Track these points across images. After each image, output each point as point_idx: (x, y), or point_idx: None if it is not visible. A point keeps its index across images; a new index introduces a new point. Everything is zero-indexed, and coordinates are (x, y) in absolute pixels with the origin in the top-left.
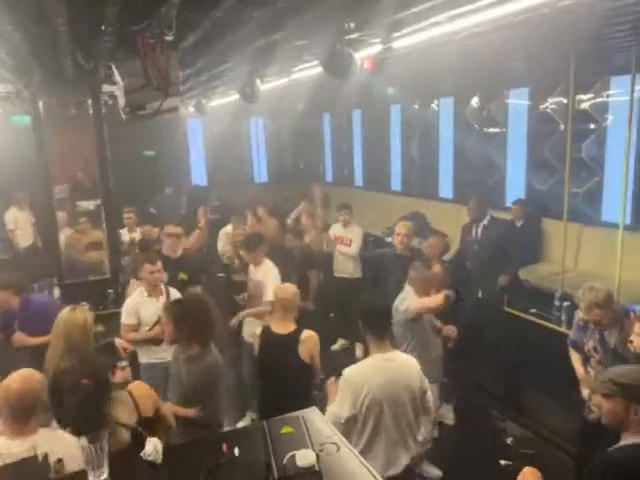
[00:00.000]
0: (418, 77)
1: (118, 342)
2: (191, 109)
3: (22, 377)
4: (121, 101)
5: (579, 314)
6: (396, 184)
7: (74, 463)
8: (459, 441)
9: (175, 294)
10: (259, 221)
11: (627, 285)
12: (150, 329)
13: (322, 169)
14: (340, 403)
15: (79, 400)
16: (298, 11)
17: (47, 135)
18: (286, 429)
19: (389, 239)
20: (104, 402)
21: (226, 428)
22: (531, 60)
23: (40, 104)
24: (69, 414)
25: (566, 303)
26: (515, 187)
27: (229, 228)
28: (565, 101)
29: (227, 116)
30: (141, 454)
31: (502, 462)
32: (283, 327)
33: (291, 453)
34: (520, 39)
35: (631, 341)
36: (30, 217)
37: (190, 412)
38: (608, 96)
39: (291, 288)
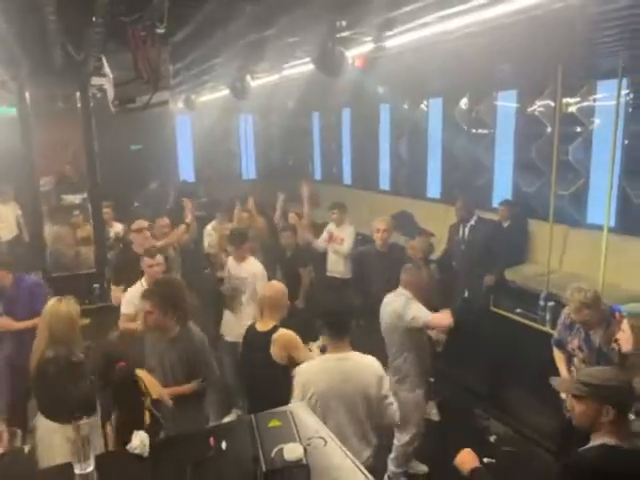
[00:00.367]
0: (408, 77)
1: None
2: (180, 104)
3: None
4: (110, 94)
5: (565, 313)
6: (384, 183)
7: None
8: (443, 439)
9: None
10: (250, 216)
11: (610, 287)
12: None
13: (311, 167)
14: (294, 399)
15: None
16: (290, 7)
17: (33, 127)
18: (274, 423)
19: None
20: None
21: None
22: (519, 63)
23: (27, 96)
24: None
25: (551, 303)
26: (502, 188)
27: (215, 224)
28: (552, 104)
29: (216, 112)
30: (127, 447)
31: (485, 460)
32: (265, 325)
33: (279, 447)
34: (509, 41)
35: (616, 340)
36: (16, 210)
37: (189, 386)
38: (595, 100)
39: (278, 286)
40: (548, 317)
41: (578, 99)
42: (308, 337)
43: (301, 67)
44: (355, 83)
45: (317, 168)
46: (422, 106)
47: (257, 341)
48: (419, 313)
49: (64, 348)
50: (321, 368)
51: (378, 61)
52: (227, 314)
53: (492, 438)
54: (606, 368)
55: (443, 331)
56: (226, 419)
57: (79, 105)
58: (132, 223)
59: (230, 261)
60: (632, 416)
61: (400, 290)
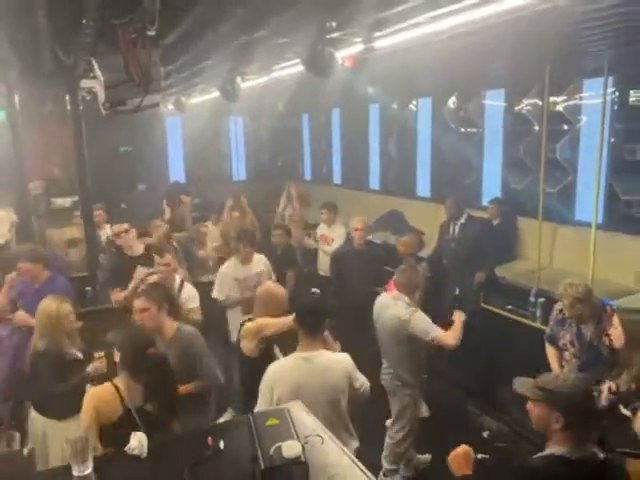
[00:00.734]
0: (397, 77)
1: None
2: (170, 106)
3: None
4: (101, 96)
5: (556, 309)
6: (374, 183)
7: None
8: (436, 435)
9: (190, 289)
10: (242, 215)
11: (600, 282)
12: None
13: (301, 167)
14: (260, 397)
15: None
16: (280, 9)
17: (22, 130)
18: (272, 421)
19: (369, 237)
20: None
21: None
22: (507, 62)
23: (16, 99)
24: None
25: (541, 299)
26: (491, 186)
27: (211, 225)
28: (540, 102)
29: (206, 114)
30: (126, 448)
31: (479, 456)
32: None
33: (277, 444)
34: (497, 41)
35: (607, 334)
36: (12, 216)
37: (184, 388)
38: (581, 98)
39: (274, 288)
40: (539, 313)
41: (565, 97)
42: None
43: (291, 68)
44: (345, 83)
45: (307, 168)
46: (411, 106)
47: None
48: (427, 326)
49: (54, 344)
50: (288, 367)
51: (368, 61)
52: (230, 314)
53: (485, 434)
54: (569, 375)
55: None
56: (221, 419)
57: (68, 108)
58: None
59: (233, 264)
60: (627, 412)
61: (396, 294)
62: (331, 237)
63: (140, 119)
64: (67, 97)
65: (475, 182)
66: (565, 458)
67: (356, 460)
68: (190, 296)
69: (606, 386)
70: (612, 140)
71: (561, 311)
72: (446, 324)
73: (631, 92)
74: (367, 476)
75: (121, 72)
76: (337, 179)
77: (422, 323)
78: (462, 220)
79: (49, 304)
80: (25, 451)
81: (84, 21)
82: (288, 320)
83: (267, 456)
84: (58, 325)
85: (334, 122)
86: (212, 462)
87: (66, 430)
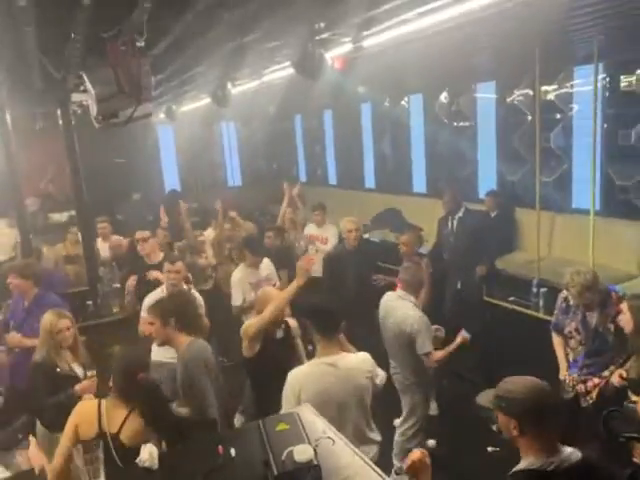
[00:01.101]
0: (387, 75)
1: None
2: (161, 115)
3: None
4: (93, 110)
5: (561, 297)
6: (370, 181)
7: None
8: (445, 430)
9: (197, 297)
10: (233, 227)
11: (600, 268)
12: None
13: (296, 170)
14: (284, 406)
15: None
16: (268, 13)
17: (15, 148)
18: (282, 426)
19: (366, 235)
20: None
21: None
22: (497, 53)
23: (7, 116)
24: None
25: (543, 289)
26: (487, 179)
27: (210, 232)
28: (531, 92)
29: (198, 121)
30: (137, 461)
31: (489, 449)
32: None
33: (289, 449)
34: (485, 33)
35: (614, 320)
36: (16, 235)
37: (183, 411)
38: (572, 86)
39: (273, 292)
40: (541, 303)
41: (556, 86)
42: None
43: (281, 72)
44: (335, 84)
45: (302, 170)
46: (403, 103)
47: None
48: (425, 340)
49: (48, 357)
50: (314, 374)
51: (357, 61)
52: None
53: (494, 427)
54: (525, 379)
55: (436, 328)
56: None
57: (60, 122)
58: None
59: (243, 269)
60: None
61: (401, 292)
62: (324, 237)
63: (132, 130)
64: (58, 112)
65: (470, 175)
66: (536, 471)
67: (368, 460)
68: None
69: (617, 373)
70: (605, 126)
71: (566, 299)
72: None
73: (622, 77)
74: (380, 476)
75: (112, 84)
76: (332, 180)
77: (425, 332)
78: (460, 214)
79: (48, 318)
80: (37, 470)
81: (73, 35)
82: (266, 315)
83: (279, 461)
84: (53, 339)
85: (327, 123)
86: (224, 470)
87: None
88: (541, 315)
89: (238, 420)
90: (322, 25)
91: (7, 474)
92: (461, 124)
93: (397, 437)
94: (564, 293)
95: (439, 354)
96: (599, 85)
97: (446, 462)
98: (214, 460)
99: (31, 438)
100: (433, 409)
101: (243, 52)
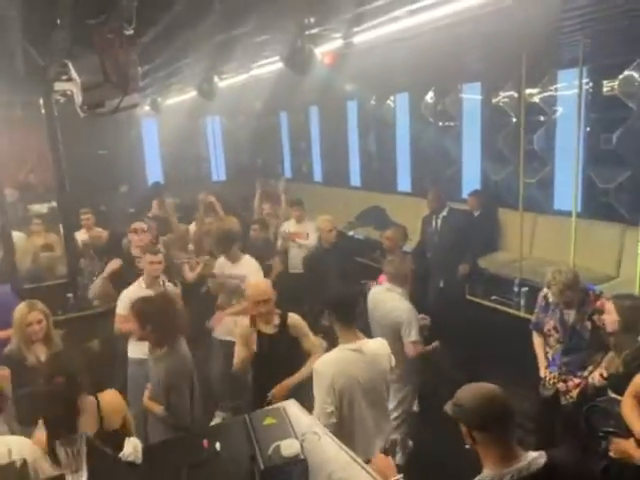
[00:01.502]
0: (374, 73)
1: None
2: (146, 108)
3: None
4: (78, 99)
5: (541, 296)
6: (355, 179)
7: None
8: (425, 427)
9: (172, 290)
10: (216, 220)
11: (581, 269)
12: None
13: (281, 166)
14: (318, 396)
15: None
16: (258, 6)
17: None
18: (269, 420)
19: (351, 232)
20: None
21: None
22: (483, 54)
23: None
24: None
25: (525, 289)
26: (471, 179)
27: (193, 226)
28: (516, 94)
29: (183, 114)
30: (120, 455)
31: (467, 445)
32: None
33: (276, 443)
34: (472, 34)
35: (590, 319)
36: None
37: (157, 409)
38: (556, 89)
39: (265, 286)
40: (522, 302)
41: (540, 89)
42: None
43: (268, 66)
44: (323, 80)
45: (287, 167)
46: (389, 101)
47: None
48: (413, 328)
49: (17, 349)
50: (343, 360)
51: (344, 58)
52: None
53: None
54: (479, 387)
55: (422, 317)
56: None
57: (42, 111)
58: (99, 227)
59: (221, 261)
60: (616, 396)
61: (388, 285)
62: (305, 232)
63: (115, 121)
64: (41, 101)
65: (455, 175)
66: None
67: (354, 455)
68: None
69: (597, 372)
70: (588, 130)
71: (545, 297)
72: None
73: (604, 82)
74: (365, 470)
75: (98, 73)
76: (318, 177)
77: (414, 322)
78: (444, 213)
79: (19, 310)
80: (18, 463)
81: (58, 21)
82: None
83: (266, 456)
84: (23, 331)
85: (313, 120)
86: (209, 464)
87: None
88: (522, 314)
89: (218, 417)
90: (312, 20)
91: None
92: (446, 124)
93: None
94: (544, 291)
95: (419, 348)
96: (582, 89)
97: (425, 459)
98: (199, 454)
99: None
100: (414, 406)
101: (231, 45)
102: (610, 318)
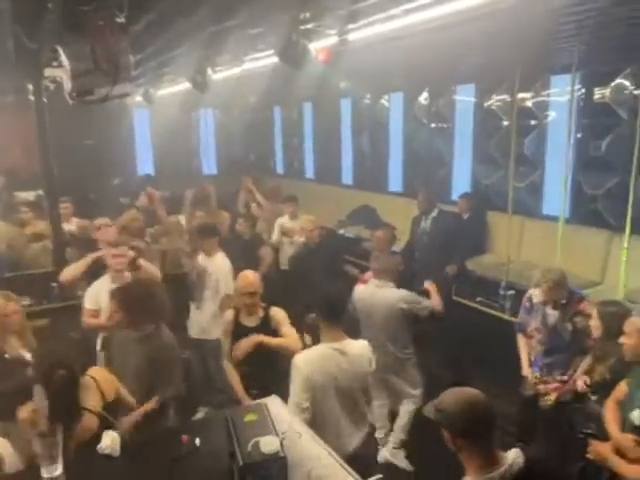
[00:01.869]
0: (369, 71)
1: None
2: (138, 98)
3: None
4: (67, 85)
5: (526, 297)
6: (347, 178)
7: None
8: (409, 427)
9: (150, 275)
10: (207, 214)
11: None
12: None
13: (273, 161)
14: (294, 390)
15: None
16: None
17: None
18: (250, 417)
19: (341, 231)
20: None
21: None
22: (478, 57)
23: None
24: None
25: (510, 292)
26: (461, 181)
27: (181, 218)
28: (509, 98)
29: (175, 106)
30: (97, 448)
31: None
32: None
33: (255, 440)
34: (468, 36)
35: (571, 320)
36: None
37: (151, 405)
38: (548, 95)
39: (252, 276)
40: (508, 305)
41: (533, 94)
42: None
43: (263, 60)
44: (316, 77)
45: (279, 163)
46: (383, 100)
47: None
48: (417, 297)
49: None
50: (322, 357)
51: (340, 55)
52: (192, 310)
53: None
54: (461, 392)
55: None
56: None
57: (31, 98)
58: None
59: (202, 254)
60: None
61: (377, 281)
62: (299, 229)
63: (106, 111)
64: (30, 86)
65: (445, 177)
66: None
67: (334, 453)
68: None
69: (581, 379)
70: (578, 136)
71: (530, 299)
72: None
73: (595, 89)
74: (345, 468)
75: (88, 60)
76: (310, 174)
77: (412, 295)
78: (434, 214)
79: None
80: None
81: (49, 6)
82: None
83: (245, 452)
84: (1, 322)
85: (306, 116)
86: (189, 459)
87: (13, 433)
88: (506, 317)
89: (201, 412)
90: (307, 15)
91: None
92: (439, 125)
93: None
94: (529, 293)
95: (436, 301)
96: (574, 95)
97: (409, 459)
98: (178, 449)
99: None
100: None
101: (225, 36)
102: (594, 324)
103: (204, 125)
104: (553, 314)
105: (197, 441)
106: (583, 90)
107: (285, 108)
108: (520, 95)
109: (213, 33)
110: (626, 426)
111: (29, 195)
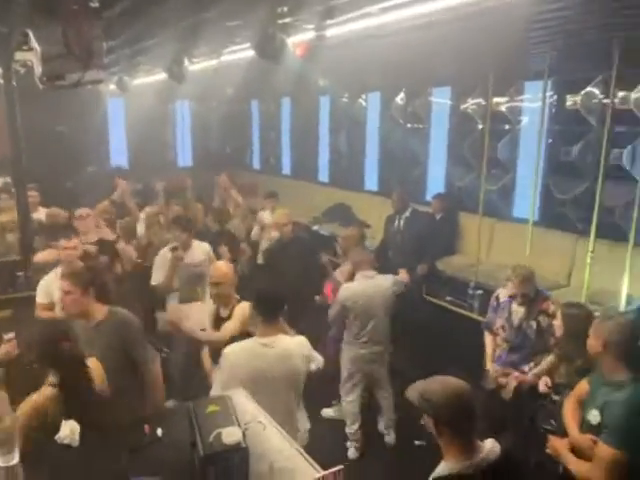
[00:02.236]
0: (347, 69)
1: None
2: (112, 86)
3: None
4: (38, 70)
5: (494, 295)
6: (324, 175)
7: None
8: (376, 425)
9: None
10: (184, 208)
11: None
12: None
13: (249, 156)
14: (219, 378)
15: None
16: None
17: None
18: (212, 408)
19: (316, 227)
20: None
21: None
22: (454, 59)
23: None
24: None
25: (479, 292)
26: (435, 182)
27: (148, 210)
28: (483, 102)
29: (151, 96)
30: (56, 437)
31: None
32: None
33: (217, 431)
34: (445, 38)
35: (535, 319)
36: None
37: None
38: (522, 100)
39: (226, 267)
40: (476, 305)
41: (507, 98)
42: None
43: (241, 53)
44: (295, 72)
45: (256, 158)
46: (361, 100)
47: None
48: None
49: None
50: (249, 352)
51: (318, 51)
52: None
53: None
54: (447, 381)
55: None
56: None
57: (0, 81)
58: (62, 207)
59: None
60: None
61: (365, 273)
62: None
63: (80, 98)
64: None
65: (420, 177)
66: (457, 476)
67: (297, 446)
68: None
69: (542, 381)
70: (550, 141)
71: (497, 298)
72: None
73: (567, 96)
74: (308, 462)
75: (60, 45)
76: (286, 170)
77: (395, 277)
78: (407, 214)
79: None
80: None
81: None
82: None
83: (207, 442)
84: None
85: (284, 111)
86: (150, 450)
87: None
88: (475, 316)
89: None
90: (285, 9)
91: None
92: (415, 126)
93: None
94: (496, 292)
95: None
96: (547, 102)
97: (378, 455)
98: (139, 438)
99: None
100: None
101: (203, 28)
102: (557, 323)
103: (180, 116)
104: (518, 312)
105: (159, 431)
106: (555, 97)
107: (263, 102)
108: (495, 99)
109: (190, 24)
110: (584, 425)
111: None
